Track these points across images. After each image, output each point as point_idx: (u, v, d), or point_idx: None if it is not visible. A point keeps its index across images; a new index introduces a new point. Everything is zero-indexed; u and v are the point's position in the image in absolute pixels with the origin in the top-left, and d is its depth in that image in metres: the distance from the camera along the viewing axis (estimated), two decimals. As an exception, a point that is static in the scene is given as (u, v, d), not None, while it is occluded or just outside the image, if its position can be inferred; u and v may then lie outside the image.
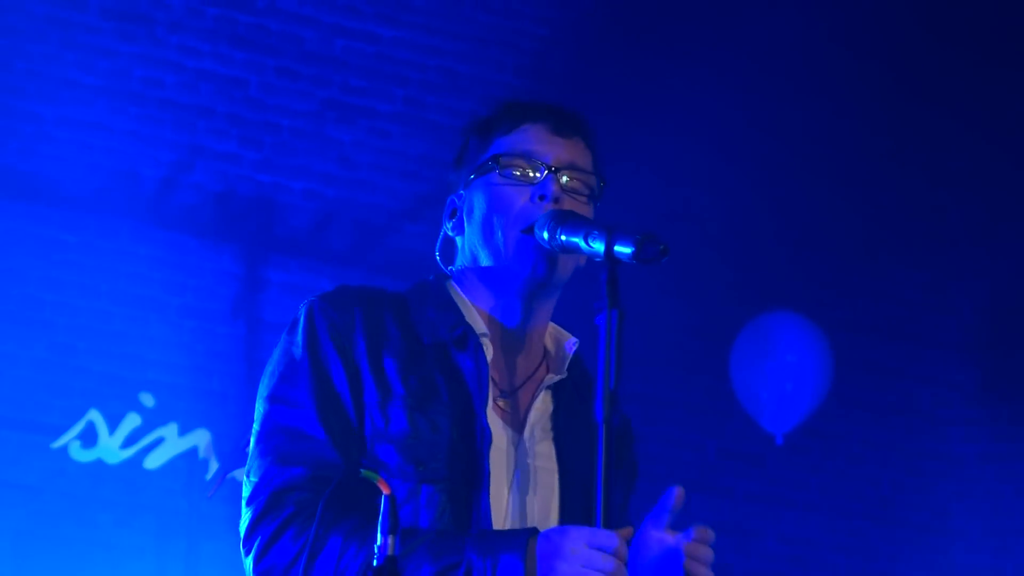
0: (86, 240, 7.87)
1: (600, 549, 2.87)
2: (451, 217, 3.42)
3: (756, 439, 8.58)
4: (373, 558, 2.74)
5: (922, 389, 9.41)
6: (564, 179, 3.25)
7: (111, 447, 7.70)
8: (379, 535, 2.71)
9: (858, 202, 9.41)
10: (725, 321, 8.81)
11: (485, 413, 3.19)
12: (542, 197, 3.21)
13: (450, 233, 3.43)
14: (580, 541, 2.89)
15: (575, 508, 3.27)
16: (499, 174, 3.29)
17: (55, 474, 7.57)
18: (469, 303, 3.36)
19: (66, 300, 7.78)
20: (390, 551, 2.70)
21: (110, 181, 8.00)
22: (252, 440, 3.23)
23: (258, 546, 3.08)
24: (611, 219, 3.41)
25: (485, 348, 3.28)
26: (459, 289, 3.39)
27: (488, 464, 3.14)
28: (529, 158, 3.26)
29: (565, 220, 3.16)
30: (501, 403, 3.28)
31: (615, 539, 2.88)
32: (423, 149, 8.56)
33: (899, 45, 9.36)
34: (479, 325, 3.32)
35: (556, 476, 3.27)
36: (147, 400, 7.70)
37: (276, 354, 3.29)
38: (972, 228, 9.63)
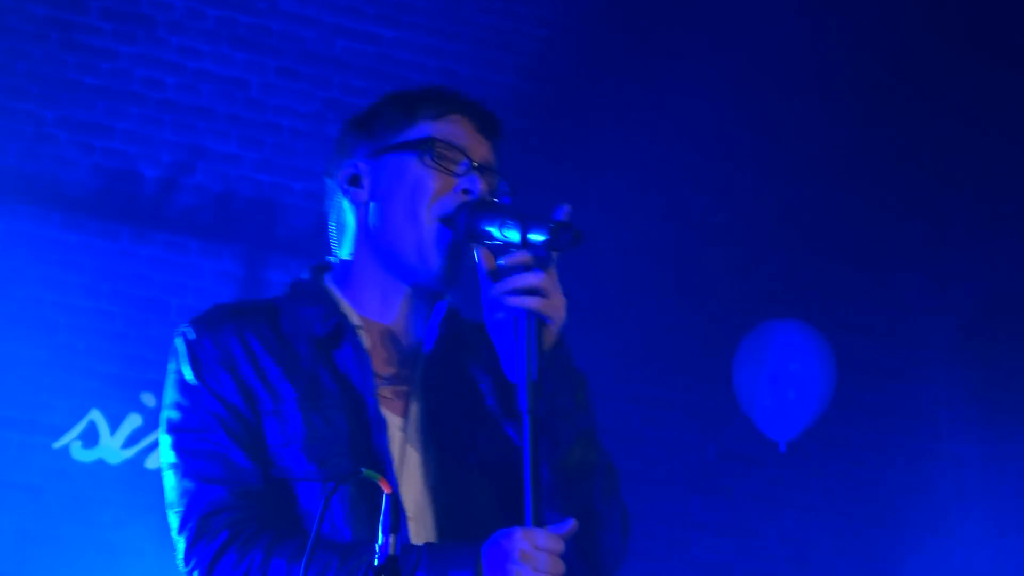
0: (87, 241, 7.83)
1: (548, 551, 2.89)
2: (350, 183, 3.37)
3: (756, 442, 8.51)
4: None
5: (921, 389, 9.38)
6: (487, 177, 3.29)
7: (112, 447, 7.67)
8: (380, 534, 2.71)
9: (858, 203, 9.40)
10: (725, 323, 8.75)
11: (376, 401, 3.20)
12: (467, 191, 3.22)
13: (344, 200, 3.39)
14: (528, 543, 2.91)
15: (466, 476, 3.24)
16: (425, 158, 3.28)
17: (57, 474, 7.56)
18: (340, 296, 3.36)
19: (67, 300, 7.76)
20: (391, 550, 2.69)
21: (111, 182, 7.98)
22: (167, 473, 3.23)
23: (201, 567, 3.08)
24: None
25: (362, 338, 3.28)
26: (334, 285, 3.38)
27: (389, 452, 3.15)
28: (461, 151, 3.26)
29: (483, 209, 3.17)
30: (387, 392, 3.26)
31: (560, 542, 2.91)
32: (423, 149, 8.89)
33: (899, 45, 9.39)
34: (354, 316, 3.32)
35: (445, 451, 3.25)
36: (148, 400, 7.65)
37: (168, 386, 3.31)
38: (971, 229, 9.68)
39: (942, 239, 9.41)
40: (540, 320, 3.05)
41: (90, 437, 7.64)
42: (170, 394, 3.29)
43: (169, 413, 3.27)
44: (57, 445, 7.58)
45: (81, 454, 7.60)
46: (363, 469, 2.82)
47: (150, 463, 7.64)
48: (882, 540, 9.04)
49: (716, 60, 8.93)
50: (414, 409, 3.30)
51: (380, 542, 2.72)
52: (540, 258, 3.04)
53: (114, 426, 7.68)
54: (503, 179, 3.37)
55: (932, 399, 9.42)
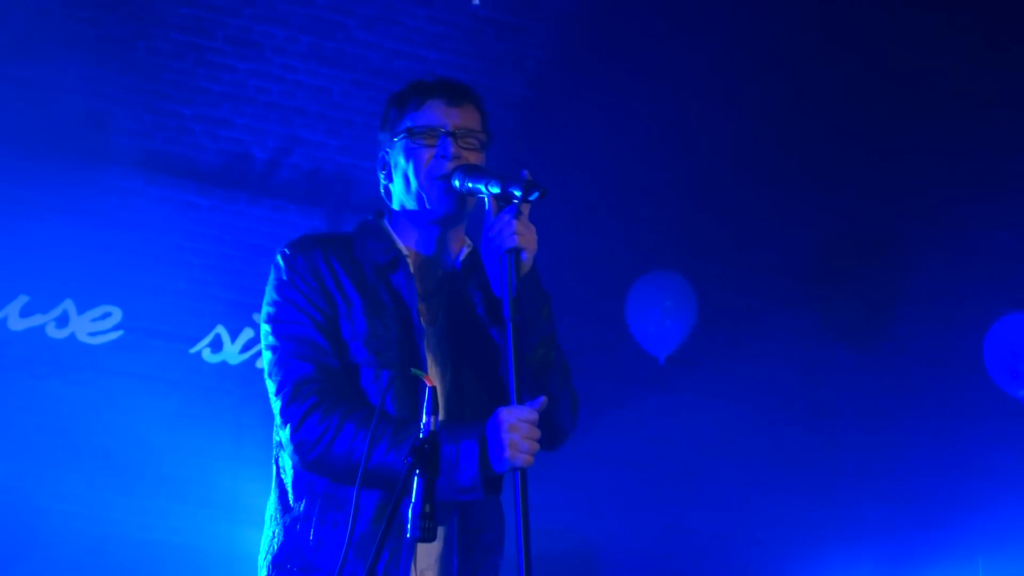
0: (214, 204, 8.26)
1: (528, 421, 3.18)
2: (382, 168, 3.63)
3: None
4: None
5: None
6: (459, 139, 3.51)
7: (232, 352, 8.16)
8: (424, 415, 2.96)
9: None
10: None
11: (417, 314, 3.46)
12: (443, 156, 3.48)
13: (383, 180, 3.64)
14: (514, 417, 3.18)
15: (480, 365, 3.49)
16: (411, 140, 3.53)
17: (192, 371, 8.02)
18: (395, 236, 3.59)
19: (201, 247, 8.18)
20: (432, 427, 2.96)
21: (231, 161, 8.37)
22: (267, 352, 3.46)
23: (292, 425, 3.34)
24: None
25: (410, 266, 3.52)
26: (389, 225, 3.62)
27: (424, 351, 3.42)
28: (432, 127, 3.52)
29: (471, 172, 3.42)
30: (424, 305, 3.52)
31: (535, 414, 3.19)
32: (457, 139, 8.81)
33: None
34: (404, 249, 3.56)
35: (456, 354, 3.49)
36: (258, 319, 7.18)
37: (269, 291, 3.52)
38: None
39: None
40: (517, 253, 3.26)
41: (216, 345, 8.15)
42: (270, 294, 3.50)
43: (268, 308, 3.49)
44: (192, 351, 8.11)
45: (210, 357, 8.13)
46: (412, 368, 3.16)
47: (260, 364, 7.29)
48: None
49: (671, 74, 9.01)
50: (441, 321, 3.52)
51: (424, 421, 2.96)
52: (517, 205, 3.26)
53: (233, 337, 8.19)
54: (484, 131, 3.57)
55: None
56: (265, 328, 3.46)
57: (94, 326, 7.86)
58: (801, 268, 9.13)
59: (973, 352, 9.00)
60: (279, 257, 3.51)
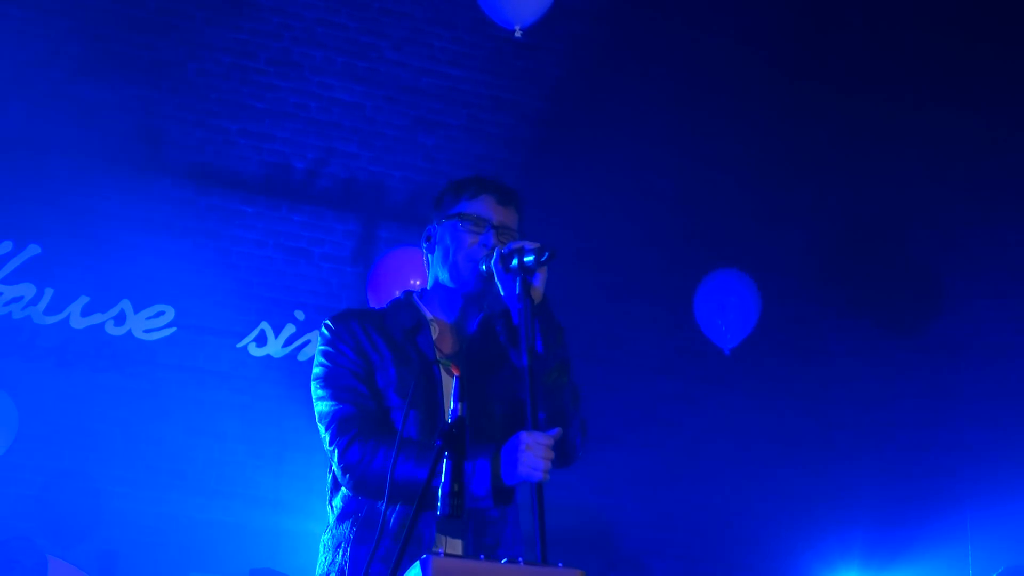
0: (258, 211, 8.33)
1: (543, 443, 3.33)
2: (426, 240, 3.81)
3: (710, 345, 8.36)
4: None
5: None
6: (499, 234, 3.70)
7: (276, 346, 8.15)
8: (452, 402, 3.03)
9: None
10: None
11: (437, 368, 3.63)
12: (485, 244, 3.68)
13: (424, 250, 3.84)
14: (531, 440, 3.33)
15: (488, 409, 3.63)
16: (461, 224, 3.73)
17: (238, 364, 8.04)
18: (423, 307, 3.79)
19: (246, 250, 8.22)
20: (460, 412, 3.02)
21: (273, 172, 8.41)
22: (318, 403, 3.65)
23: (339, 452, 3.52)
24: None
25: (432, 330, 3.71)
26: (417, 300, 3.81)
27: (442, 396, 3.60)
28: (481, 219, 3.72)
29: (505, 256, 3.59)
30: (446, 363, 3.67)
31: (551, 440, 3.34)
32: (481, 150, 8.88)
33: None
34: (428, 317, 3.75)
35: (474, 401, 3.52)
36: (299, 315, 8.23)
37: (316, 355, 3.72)
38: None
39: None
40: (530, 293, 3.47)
41: (261, 340, 8.16)
42: (318, 357, 3.70)
43: (317, 369, 3.68)
44: (239, 345, 8.12)
45: (255, 351, 8.14)
46: (441, 361, 3.45)
47: (301, 357, 8.11)
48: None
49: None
50: (460, 374, 3.44)
51: (451, 407, 3.03)
52: (536, 266, 3.48)
53: (277, 332, 8.19)
54: (518, 230, 3.74)
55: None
56: (315, 385, 3.65)
57: (149, 324, 7.88)
58: (797, 265, 9.18)
59: (957, 338, 9.11)
60: (323, 328, 3.70)
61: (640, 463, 8.75)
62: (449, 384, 3.57)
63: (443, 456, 2.99)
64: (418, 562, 2.78)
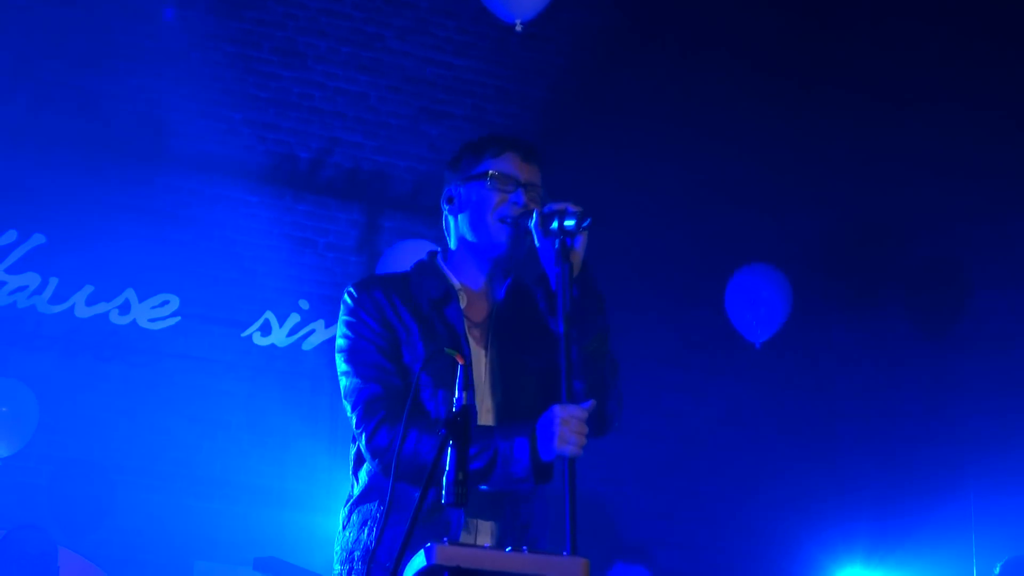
0: (262, 200, 8.31)
1: (577, 417, 3.30)
2: (448, 202, 3.72)
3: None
4: (436, 440, 3.15)
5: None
6: (528, 191, 3.63)
7: (280, 336, 8.16)
8: (456, 391, 3.00)
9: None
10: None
11: (466, 340, 3.57)
12: (516, 203, 3.61)
13: (446, 212, 3.73)
14: (565, 413, 3.30)
15: (521, 381, 3.60)
16: (488, 183, 3.64)
17: (244, 353, 8.05)
18: (449, 273, 3.69)
19: (250, 240, 8.20)
20: (464, 401, 3.00)
21: (278, 161, 8.41)
22: (343, 378, 3.58)
23: (366, 435, 3.47)
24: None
25: (460, 300, 3.63)
26: (442, 263, 3.72)
27: (472, 371, 3.36)
28: (508, 177, 3.63)
29: (544, 216, 3.51)
30: (475, 333, 3.64)
31: (585, 413, 3.32)
32: (485, 140, 8.91)
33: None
34: (456, 284, 3.67)
35: (506, 373, 3.59)
36: (304, 304, 8.20)
37: (340, 326, 3.63)
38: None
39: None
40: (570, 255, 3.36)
41: (266, 329, 8.16)
42: (341, 328, 3.62)
43: (340, 341, 3.60)
44: (244, 334, 8.13)
45: (260, 340, 8.14)
46: (446, 348, 3.25)
47: (305, 346, 8.14)
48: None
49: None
50: (490, 345, 3.62)
51: (456, 396, 3.00)
52: (576, 230, 3.40)
53: (281, 321, 8.17)
54: (543, 188, 3.67)
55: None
56: (339, 358, 3.59)
57: (154, 313, 7.92)
58: (802, 257, 9.17)
59: (963, 329, 9.19)
60: (346, 296, 3.63)
61: (644, 453, 8.74)
62: (479, 360, 3.56)
63: (448, 444, 2.97)
64: (422, 550, 2.76)
